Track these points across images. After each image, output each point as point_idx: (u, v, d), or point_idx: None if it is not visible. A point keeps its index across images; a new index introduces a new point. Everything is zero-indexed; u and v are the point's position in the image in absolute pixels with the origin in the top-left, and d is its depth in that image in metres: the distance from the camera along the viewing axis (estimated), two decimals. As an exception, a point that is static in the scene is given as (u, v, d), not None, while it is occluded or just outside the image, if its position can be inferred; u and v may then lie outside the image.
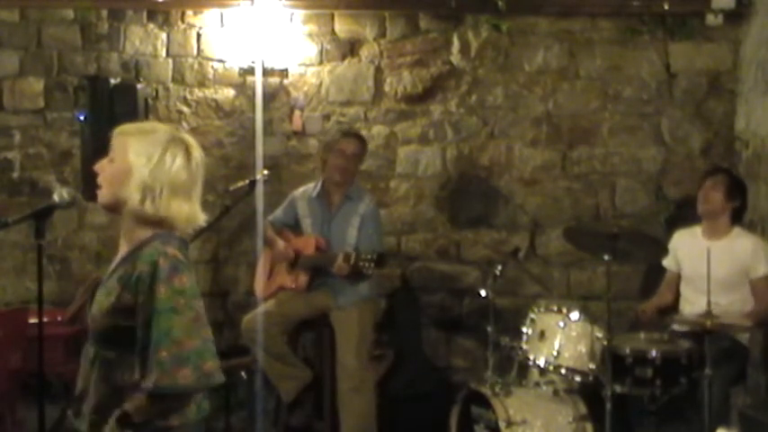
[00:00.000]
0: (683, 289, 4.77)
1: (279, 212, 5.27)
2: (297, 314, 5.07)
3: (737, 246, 4.62)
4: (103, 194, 2.54)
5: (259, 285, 5.22)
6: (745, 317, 4.42)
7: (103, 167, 2.55)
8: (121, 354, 2.45)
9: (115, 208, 2.53)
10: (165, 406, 2.43)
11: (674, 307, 4.81)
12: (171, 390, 2.38)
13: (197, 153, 2.56)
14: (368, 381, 5.00)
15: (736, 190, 4.73)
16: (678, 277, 4.82)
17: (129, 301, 2.44)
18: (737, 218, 4.76)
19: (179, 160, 2.50)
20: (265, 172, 5.10)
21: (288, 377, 5.05)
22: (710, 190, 4.73)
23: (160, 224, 2.51)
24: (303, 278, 5.03)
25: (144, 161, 2.48)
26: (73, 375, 2.67)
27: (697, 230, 4.80)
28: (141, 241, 2.50)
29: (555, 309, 4.53)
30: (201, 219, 2.58)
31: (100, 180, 2.55)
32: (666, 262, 4.89)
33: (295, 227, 5.20)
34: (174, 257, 2.44)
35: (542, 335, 4.46)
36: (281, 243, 5.11)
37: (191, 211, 2.55)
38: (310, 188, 5.21)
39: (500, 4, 5.58)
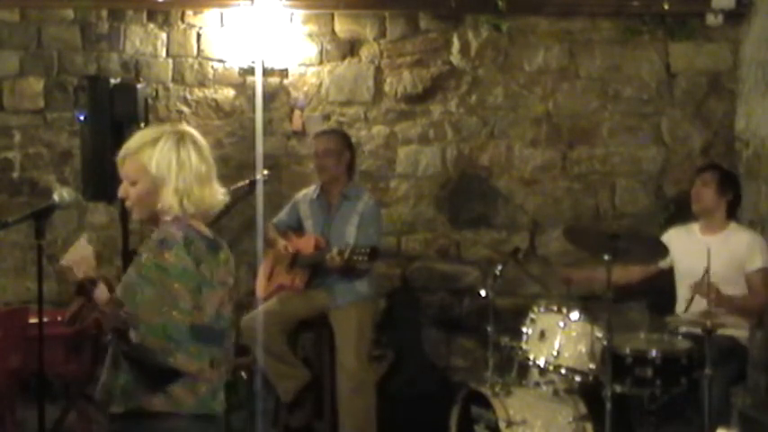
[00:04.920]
0: (679, 286, 4.77)
1: (282, 215, 5.29)
2: (296, 314, 5.07)
3: (734, 240, 4.63)
4: (138, 213, 2.71)
5: (260, 286, 5.22)
6: (741, 311, 4.41)
7: (128, 192, 2.69)
8: None
9: (152, 220, 2.70)
10: (124, 333, 2.53)
11: (630, 285, 4.97)
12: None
13: (202, 140, 2.72)
14: (368, 381, 5.00)
15: (727, 184, 4.76)
16: (656, 268, 4.84)
17: None
18: (732, 212, 4.78)
19: (194, 155, 2.65)
20: (265, 172, 5.11)
21: (287, 377, 5.05)
22: (702, 188, 4.75)
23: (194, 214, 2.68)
24: (301, 277, 5.03)
25: (166, 170, 2.61)
26: (73, 375, 2.69)
27: (694, 227, 4.82)
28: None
29: (555, 309, 4.53)
30: (223, 195, 2.75)
31: (128, 204, 2.72)
32: None
33: (299, 229, 5.22)
34: (170, 236, 2.58)
35: (542, 335, 4.46)
36: (281, 243, 5.12)
37: (218, 191, 2.72)
38: (311, 190, 5.24)
39: (500, 4, 5.58)
